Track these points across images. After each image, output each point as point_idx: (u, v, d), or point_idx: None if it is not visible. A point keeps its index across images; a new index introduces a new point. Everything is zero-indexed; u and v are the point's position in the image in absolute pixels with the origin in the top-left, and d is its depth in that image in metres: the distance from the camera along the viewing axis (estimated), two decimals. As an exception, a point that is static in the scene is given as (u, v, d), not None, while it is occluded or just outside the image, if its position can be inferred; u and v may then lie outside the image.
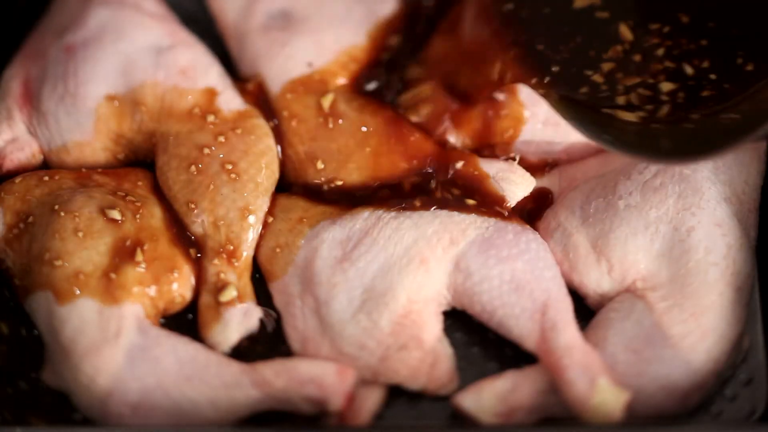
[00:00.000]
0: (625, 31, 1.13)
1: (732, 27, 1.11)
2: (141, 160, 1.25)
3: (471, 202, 1.17)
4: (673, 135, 1.08)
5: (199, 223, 1.17)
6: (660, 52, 1.12)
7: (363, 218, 1.16)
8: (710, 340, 1.09)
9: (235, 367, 1.09)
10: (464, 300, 1.13)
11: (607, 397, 1.05)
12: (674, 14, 1.14)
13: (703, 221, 1.13)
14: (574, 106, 1.12)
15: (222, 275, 1.15)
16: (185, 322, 1.16)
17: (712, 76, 1.10)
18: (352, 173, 1.20)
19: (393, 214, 1.15)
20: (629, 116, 1.10)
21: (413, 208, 1.16)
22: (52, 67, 1.24)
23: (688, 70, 1.10)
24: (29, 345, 1.14)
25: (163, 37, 1.26)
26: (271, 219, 1.19)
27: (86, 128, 1.23)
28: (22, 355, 1.14)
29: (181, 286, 1.15)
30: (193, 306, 1.16)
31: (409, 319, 1.11)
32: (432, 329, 1.12)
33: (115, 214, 1.15)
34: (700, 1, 1.13)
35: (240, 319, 1.14)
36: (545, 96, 1.14)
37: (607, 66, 1.12)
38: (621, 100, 1.11)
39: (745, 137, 1.02)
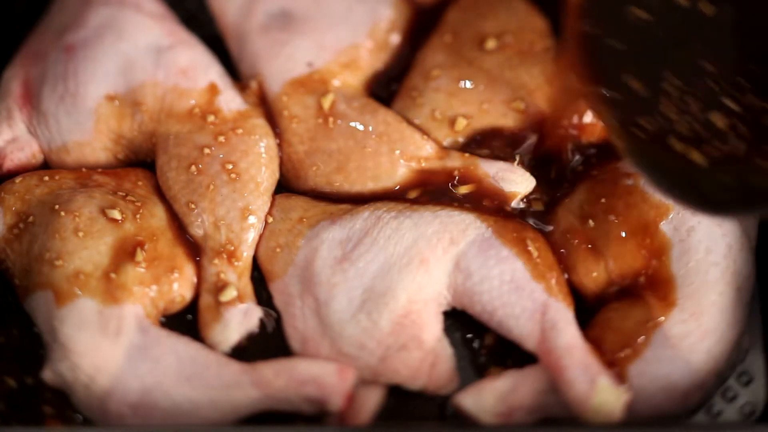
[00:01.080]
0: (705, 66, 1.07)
1: None
2: (141, 160, 1.25)
3: (469, 195, 1.18)
4: (737, 186, 1.02)
5: (199, 223, 1.17)
6: (717, 87, 1.06)
7: (363, 218, 1.16)
8: (710, 340, 1.09)
9: (235, 367, 1.10)
10: (464, 300, 1.13)
11: (607, 397, 1.05)
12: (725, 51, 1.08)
13: (704, 221, 1.12)
14: (637, 140, 1.06)
15: (222, 275, 1.15)
16: (185, 322, 1.16)
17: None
18: (352, 173, 1.21)
19: (393, 214, 1.16)
20: (696, 156, 1.04)
21: (413, 208, 1.16)
22: (52, 67, 1.24)
23: (745, 102, 1.05)
24: (29, 345, 1.14)
25: (163, 37, 1.26)
26: (271, 219, 1.19)
27: (86, 128, 1.23)
28: (22, 354, 1.14)
29: (181, 286, 1.15)
30: (193, 306, 1.16)
31: (409, 319, 1.11)
32: (432, 329, 1.12)
33: (116, 214, 1.15)
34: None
35: (240, 319, 1.14)
36: (605, 122, 1.08)
37: (674, 101, 1.06)
38: (684, 133, 1.05)
39: None
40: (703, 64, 1.06)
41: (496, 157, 1.22)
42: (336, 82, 1.25)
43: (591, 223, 1.15)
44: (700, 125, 1.05)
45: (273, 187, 1.21)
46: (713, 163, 1.03)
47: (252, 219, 1.18)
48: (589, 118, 1.20)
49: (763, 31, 1.07)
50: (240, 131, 1.21)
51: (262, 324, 1.15)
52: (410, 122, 1.23)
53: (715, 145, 1.04)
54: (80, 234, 1.13)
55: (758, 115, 1.04)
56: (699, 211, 1.04)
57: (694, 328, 1.09)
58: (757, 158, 1.02)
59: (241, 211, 1.17)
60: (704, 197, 1.03)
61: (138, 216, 1.16)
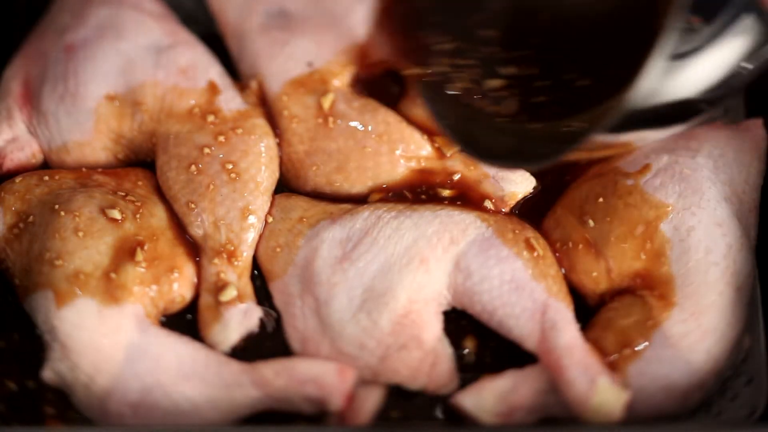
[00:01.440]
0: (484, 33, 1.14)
1: (562, 44, 1.11)
2: (141, 160, 1.25)
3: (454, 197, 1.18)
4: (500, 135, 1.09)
5: (199, 223, 1.17)
6: (497, 54, 1.12)
7: (363, 218, 1.16)
8: (710, 339, 1.09)
9: (235, 367, 1.10)
10: (464, 300, 1.13)
11: (607, 397, 1.05)
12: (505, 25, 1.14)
13: (704, 221, 1.13)
14: (432, 88, 1.14)
15: (222, 275, 1.15)
16: (185, 322, 1.16)
17: (543, 84, 1.09)
18: (352, 173, 1.20)
19: (393, 213, 1.15)
20: (476, 106, 1.11)
21: (413, 208, 1.16)
22: (53, 66, 1.24)
23: (511, 71, 1.10)
24: (30, 348, 1.14)
25: (163, 36, 1.26)
26: (270, 219, 1.19)
27: (86, 128, 1.23)
28: (23, 357, 1.14)
29: (181, 286, 1.15)
30: (193, 306, 1.16)
31: (409, 319, 1.11)
32: (432, 329, 1.12)
33: (116, 214, 1.15)
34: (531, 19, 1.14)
35: (240, 318, 1.14)
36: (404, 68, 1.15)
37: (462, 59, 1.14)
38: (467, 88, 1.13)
39: (567, 148, 1.00)
40: (486, 33, 1.11)
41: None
42: (336, 82, 1.25)
43: (591, 223, 1.15)
44: (481, 86, 1.10)
45: (273, 187, 1.21)
46: (488, 117, 1.10)
47: (252, 219, 1.18)
48: None
49: (542, 10, 1.12)
50: (240, 131, 1.21)
51: (262, 324, 1.15)
52: (411, 122, 1.23)
53: (490, 104, 1.10)
54: (80, 234, 1.13)
55: (533, 89, 1.09)
56: (482, 160, 1.10)
57: (694, 328, 1.09)
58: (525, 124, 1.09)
59: (241, 211, 1.17)
60: (480, 144, 1.09)
61: (138, 216, 1.16)
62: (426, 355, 1.11)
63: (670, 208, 1.14)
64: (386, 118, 1.22)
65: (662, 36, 0.89)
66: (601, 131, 0.97)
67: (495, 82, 1.10)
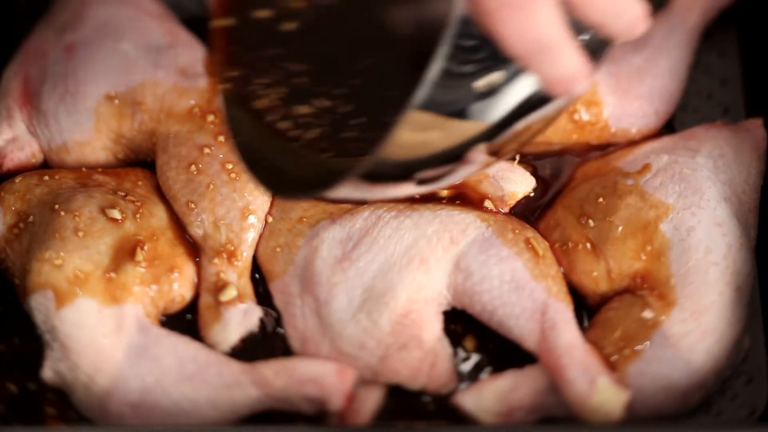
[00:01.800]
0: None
1: (384, 87, 1.06)
2: (141, 160, 1.25)
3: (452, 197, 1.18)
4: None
5: (199, 223, 1.17)
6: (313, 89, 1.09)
7: (363, 217, 1.16)
8: (710, 339, 1.09)
9: (235, 367, 1.10)
10: (464, 300, 1.13)
11: (607, 396, 1.05)
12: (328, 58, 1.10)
13: (704, 221, 1.13)
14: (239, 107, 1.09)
15: (222, 275, 1.15)
16: (185, 321, 1.16)
17: (358, 121, 1.06)
18: (352, 173, 1.20)
19: (393, 213, 1.15)
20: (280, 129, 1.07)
21: (413, 208, 1.16)
22: (52, 66, 1.24)
23: (324, 105, 1.07)
24: (29, 346, 1.14)
25: (163, 36, 1.26)
26: (270, 219, 1.19)
27: (86, 128, 1.22)
28: (23, 355, 1.14)
29: (181, 286, 1.15)
30: (193, 306, 1.16)
31: (409, 319, 1.11)
32: (432, 329, 1.12)
33: (116, 214, 1.15)
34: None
35: (240, 318, 1.14)
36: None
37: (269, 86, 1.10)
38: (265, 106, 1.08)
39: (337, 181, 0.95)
40: (294, 66, 1.08)
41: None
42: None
43: (591, 223, 1.15)
44: (288, 108, 1.07)
45: (273, 187, 1.21)
46: (287, 141, 1.05)
47: (252, 219, 1.18)
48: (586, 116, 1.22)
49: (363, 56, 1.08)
50: (240, 131, 1.21)
51: (262, 324, 1.15)
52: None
53: (293, 128, 1.06)
54: (80, 233, 1.13)
55: (346, 124, 1.05)
56: (263, 185, 1.03)
57: (694, 328, 1.09)
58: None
59: (241, 211, 1.17)
60: (269, 169, 1.03)
61: (138, 216, 1.16)
62: (426, 355, 1.11)
63: (670, 207, 1.14)
64: (386, 117, 1.22)
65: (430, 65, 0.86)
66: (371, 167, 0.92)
67: (304, 109, 1.06)
